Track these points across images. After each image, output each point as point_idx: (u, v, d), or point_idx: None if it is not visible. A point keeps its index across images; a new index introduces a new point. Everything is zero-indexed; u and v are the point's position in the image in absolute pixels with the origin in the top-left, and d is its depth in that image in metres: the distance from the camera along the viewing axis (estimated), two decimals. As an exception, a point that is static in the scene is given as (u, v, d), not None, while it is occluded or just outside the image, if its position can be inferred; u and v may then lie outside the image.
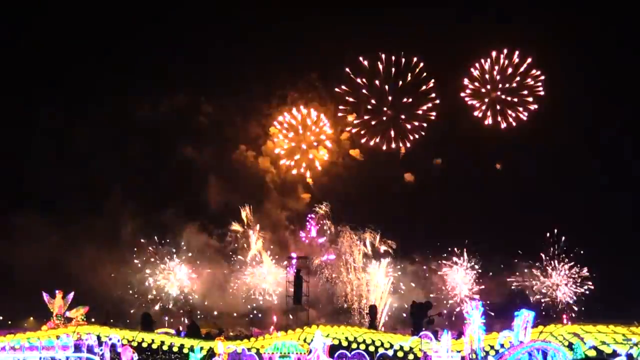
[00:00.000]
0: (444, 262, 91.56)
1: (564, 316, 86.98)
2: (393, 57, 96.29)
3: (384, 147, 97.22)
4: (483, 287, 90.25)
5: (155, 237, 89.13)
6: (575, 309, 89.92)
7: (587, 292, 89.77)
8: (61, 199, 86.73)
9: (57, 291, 60.94)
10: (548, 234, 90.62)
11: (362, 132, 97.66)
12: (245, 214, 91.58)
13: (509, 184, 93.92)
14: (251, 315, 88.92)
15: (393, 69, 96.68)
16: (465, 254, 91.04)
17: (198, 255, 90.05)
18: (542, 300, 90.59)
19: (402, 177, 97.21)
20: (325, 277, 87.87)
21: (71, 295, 61.09)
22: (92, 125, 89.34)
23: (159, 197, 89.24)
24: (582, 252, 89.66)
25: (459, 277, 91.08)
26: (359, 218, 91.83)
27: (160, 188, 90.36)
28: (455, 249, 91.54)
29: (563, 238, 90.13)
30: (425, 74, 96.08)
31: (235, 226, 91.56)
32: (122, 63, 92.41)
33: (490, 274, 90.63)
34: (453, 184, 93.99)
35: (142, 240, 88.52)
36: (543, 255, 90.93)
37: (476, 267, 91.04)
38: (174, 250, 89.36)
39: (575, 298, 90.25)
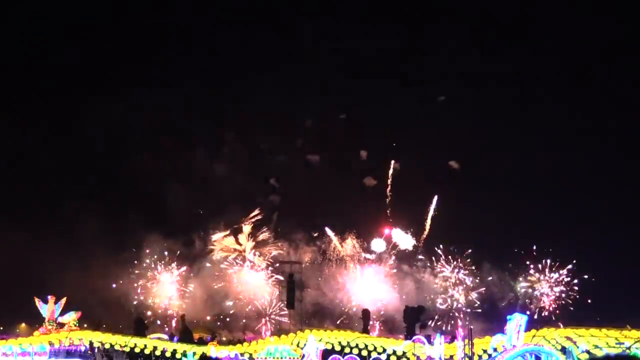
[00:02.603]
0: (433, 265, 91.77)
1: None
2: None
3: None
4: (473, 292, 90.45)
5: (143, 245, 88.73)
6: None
7: (578, 296, 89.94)
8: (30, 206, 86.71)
9: (49, 297, 60.84)
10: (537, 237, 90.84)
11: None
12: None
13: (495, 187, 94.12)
14: (244, 320, 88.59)
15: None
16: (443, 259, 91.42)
17: (180, 262, 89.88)
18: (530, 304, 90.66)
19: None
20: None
21: (63, 300, 61.01)
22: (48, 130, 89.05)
23: (121, 203, 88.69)
24: (572, 257, 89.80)
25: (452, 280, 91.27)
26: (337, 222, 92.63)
27: (122, 193, 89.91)
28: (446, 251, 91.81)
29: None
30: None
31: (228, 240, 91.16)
32: (79, 64, 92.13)
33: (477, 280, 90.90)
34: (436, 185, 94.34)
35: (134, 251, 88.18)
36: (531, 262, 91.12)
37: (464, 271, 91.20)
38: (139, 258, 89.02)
39: (564, 302, 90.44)
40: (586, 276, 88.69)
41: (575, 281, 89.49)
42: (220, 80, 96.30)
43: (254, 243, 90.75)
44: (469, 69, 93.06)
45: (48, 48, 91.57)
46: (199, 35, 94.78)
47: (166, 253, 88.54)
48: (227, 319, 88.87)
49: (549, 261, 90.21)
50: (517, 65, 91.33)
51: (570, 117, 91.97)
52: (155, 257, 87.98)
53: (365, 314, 76.95)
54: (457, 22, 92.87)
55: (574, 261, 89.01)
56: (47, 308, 60.22)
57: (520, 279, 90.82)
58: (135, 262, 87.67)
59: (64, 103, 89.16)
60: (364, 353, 57.01)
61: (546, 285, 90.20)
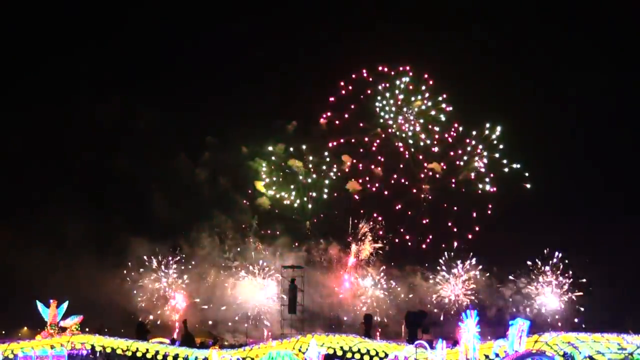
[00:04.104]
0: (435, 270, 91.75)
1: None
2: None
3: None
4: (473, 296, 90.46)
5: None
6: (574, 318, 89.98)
7: (578, 301, 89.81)
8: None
9: (51, 300, 60.76)
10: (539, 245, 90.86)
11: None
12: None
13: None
14: (245, 325, 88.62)
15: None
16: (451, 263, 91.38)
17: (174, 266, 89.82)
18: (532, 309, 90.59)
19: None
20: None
21: (65, 304, 60.92)
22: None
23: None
24: (572, 262, 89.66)
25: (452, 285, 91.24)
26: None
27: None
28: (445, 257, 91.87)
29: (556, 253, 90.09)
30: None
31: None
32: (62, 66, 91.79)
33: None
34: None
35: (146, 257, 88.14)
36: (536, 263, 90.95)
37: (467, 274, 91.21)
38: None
39: (566, 307, 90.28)
40: (587, 280, 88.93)
41: (575, 283, 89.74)
42: (204, 84, 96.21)
43: (238, 249, 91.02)
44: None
45: (33, 50, 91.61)
46: (180, 40, 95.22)
47: (163, 257, 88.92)
48: (229, 323, 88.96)
49: (550, 267, 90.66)
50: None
51: (570, 116, 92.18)
52: (152, 261, 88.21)
53: (368, 318, 76.85)
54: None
55: (570, 264, 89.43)
56: (49, 312, 60.17)
57: (522, 283, 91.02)
58: (131, 265, 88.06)
59: (48, 106, 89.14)
60: (366, 358, 56.96)
61: (547, 290, 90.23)
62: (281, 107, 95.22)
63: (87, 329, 63.59)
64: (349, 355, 57.03)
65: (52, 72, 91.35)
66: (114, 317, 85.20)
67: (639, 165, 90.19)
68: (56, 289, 72.09)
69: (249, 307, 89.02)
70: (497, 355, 50.25)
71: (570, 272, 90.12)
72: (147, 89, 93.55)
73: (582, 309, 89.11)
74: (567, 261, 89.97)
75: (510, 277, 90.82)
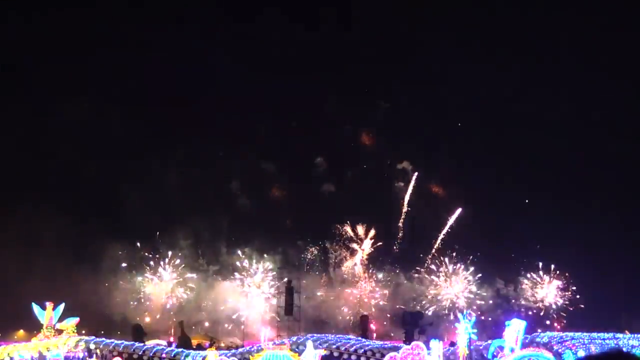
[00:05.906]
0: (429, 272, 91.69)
1: (556, 324, 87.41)
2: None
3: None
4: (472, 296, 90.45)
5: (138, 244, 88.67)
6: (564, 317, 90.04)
7: (574, 302, 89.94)
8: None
9: (47, 303, 60.60)
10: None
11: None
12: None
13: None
14: (242, 327, 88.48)
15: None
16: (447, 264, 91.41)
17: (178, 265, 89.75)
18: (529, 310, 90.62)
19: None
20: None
21: (61, 306, 60.77)
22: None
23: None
24: (568, 264, 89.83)
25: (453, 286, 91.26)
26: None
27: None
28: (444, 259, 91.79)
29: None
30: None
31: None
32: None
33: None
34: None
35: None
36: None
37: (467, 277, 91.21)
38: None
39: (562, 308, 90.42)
40: (585, 283, 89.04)
41: (574, 288, 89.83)
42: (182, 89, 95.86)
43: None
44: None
45: (12, 52, 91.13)
46: (159, 46, 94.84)
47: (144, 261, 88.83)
48: (226, 325, 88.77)
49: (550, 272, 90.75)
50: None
51: (565, 134, 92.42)
52: (136, 264, 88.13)
53: (364, 319, 76.85)
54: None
55: (561, 268, 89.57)
56: (45, 314, 60.03)
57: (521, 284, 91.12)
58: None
59: (22, 107, 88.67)
60: (363, 359, 56.96)
61: (545, 291, 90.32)
62: (256, 110, 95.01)
63: (83, 331, 63.53)
64: (345, 355, 57.02)
65: (25, 76, 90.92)
66: (109, 319, 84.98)
67: (636, 165, 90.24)
68: (52, 292, 71.97)
69: (239, 310, 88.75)
70: (494, 355, 50.40)
71: (567, 272, 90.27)
72: (118, 91, 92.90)
73: (579, 308, 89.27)
74: (563, 261, 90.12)
75: (502, 277, 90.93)
